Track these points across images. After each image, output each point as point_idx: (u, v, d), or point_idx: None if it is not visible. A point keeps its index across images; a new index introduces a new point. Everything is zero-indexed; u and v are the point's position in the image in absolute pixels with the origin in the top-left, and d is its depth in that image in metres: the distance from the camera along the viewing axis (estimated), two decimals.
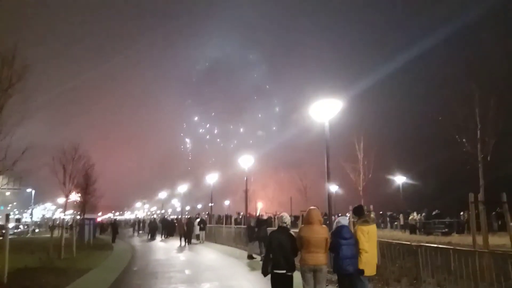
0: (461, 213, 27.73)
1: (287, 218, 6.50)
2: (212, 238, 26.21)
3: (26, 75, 17.98)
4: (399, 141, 52.30)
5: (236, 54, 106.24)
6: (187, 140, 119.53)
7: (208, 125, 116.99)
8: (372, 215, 11.89)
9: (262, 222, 16.19)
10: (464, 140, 22.65)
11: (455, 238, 21.27)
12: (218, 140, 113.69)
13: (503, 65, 22.12)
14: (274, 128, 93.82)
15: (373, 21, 71.06)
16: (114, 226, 30.69)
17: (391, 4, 68.46)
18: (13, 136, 17.02)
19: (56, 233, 20.72)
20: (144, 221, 48.00)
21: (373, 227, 6.90)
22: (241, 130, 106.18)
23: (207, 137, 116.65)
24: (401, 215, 33.78)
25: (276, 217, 25.99)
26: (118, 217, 78.85)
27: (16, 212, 74.09)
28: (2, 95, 16.75)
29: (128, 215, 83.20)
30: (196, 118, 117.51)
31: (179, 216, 39.85)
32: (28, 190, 64.16)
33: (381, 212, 36.86)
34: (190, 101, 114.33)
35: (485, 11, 35.25)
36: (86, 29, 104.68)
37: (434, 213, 29.63)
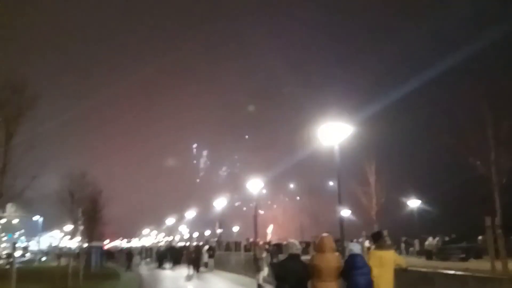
0: (479, 237, 26.81)
1: (299, 245, 6.40)
2: (221, 265, 25.68)
3: (37, 103, 18.12)
4: (412, 165, 51.55)
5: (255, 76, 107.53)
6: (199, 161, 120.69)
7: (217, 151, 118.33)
8: (388, 241, 11.58)
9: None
10: (478, 163, 22.11)
11: (472, 263, 20.46)
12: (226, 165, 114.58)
13: None
14: (281, 151, 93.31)
15: (386, 44, 71.32)
16: (129, 255, 31.12)
17: (404, 28, 68.81)
18: (22, 163, 17.00)
19: (63, 261, 20.49)
20: (151, 248, 47.39)
21: (388, 253, 6.73)
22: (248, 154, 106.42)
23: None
24: (416, 240, 32.89)
25: (284, 244, 25.45)
26: (125, 245, 77.85)
27: (24, 240, 73.80)
28: (13, 123, 16.88)
29: (135, 242, 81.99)
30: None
31: (187, 243, 39.28)
32: (36, 217, 63.82)
33: (395, 238, 35.95)
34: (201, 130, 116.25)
35: (500, 34, 35.57)
36: (98, 52, 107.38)
37: (450, 238, 28.77)
